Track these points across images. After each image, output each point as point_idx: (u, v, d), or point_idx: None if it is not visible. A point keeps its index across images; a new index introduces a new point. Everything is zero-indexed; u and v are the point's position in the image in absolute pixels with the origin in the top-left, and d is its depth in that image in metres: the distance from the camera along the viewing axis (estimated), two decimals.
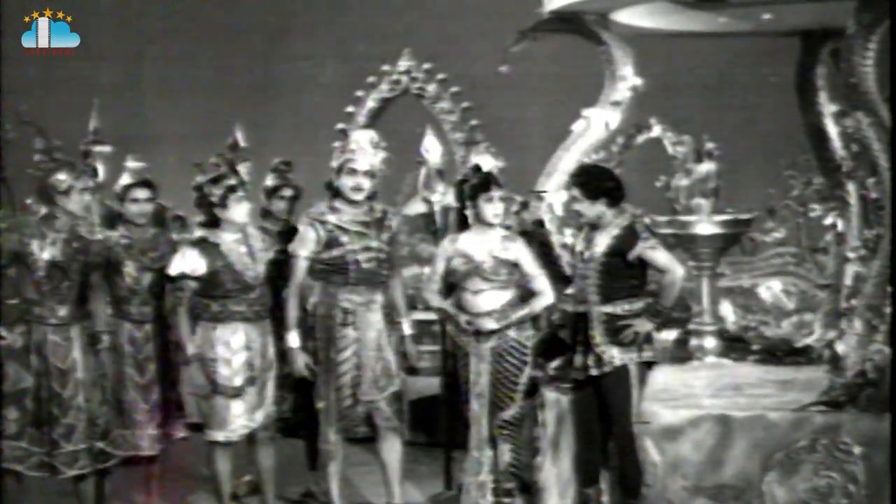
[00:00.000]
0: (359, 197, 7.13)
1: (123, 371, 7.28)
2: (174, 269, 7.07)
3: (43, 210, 7.12)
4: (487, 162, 7.52)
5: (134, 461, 7.41)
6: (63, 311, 7.06)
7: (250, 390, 7.10)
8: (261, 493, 7.41)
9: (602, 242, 6.69)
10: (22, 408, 7.02)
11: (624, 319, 6.66)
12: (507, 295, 7.01)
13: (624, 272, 6.67)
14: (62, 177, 7.08)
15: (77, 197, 7.11)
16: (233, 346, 7.09)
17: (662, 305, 6.70)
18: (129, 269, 7.27)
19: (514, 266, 7.01)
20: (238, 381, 7.07)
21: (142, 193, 7.41)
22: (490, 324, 6.94)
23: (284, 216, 8.04)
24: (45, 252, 7.01)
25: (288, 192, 8.12)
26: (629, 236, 6.66)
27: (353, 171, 7.11)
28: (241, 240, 7.15)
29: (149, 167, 7.61)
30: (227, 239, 7.12)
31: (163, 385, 7.38)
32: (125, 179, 7.45)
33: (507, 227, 7.15)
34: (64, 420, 7.01)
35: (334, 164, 7.20)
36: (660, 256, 6.68)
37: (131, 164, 7.52)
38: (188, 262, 7.04)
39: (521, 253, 7.04)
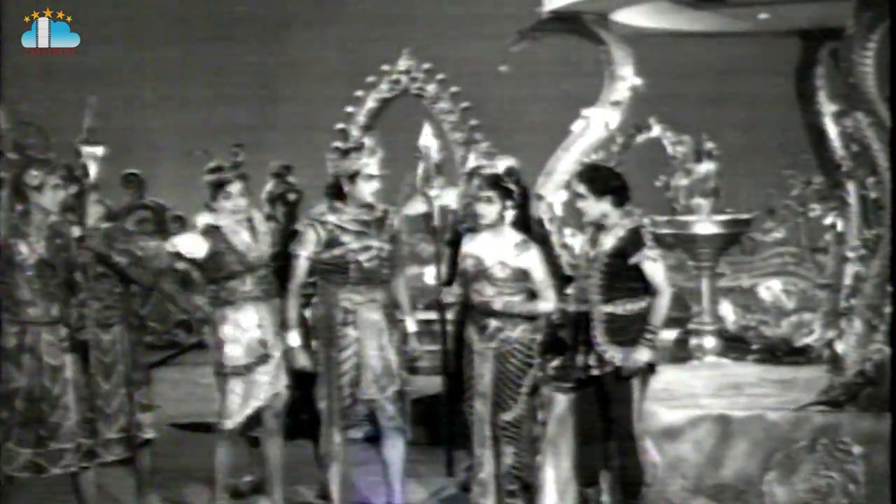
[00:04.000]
0: (374, 200, 7.16)
1: (91, 376, 7.24)
2: (170, 246, 7.14)
3: (19, 207, 7.12)
4: (503, 164, 7.53)
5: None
6: (54, 311, 7.01)
7: (263, 369, 7.12)
8: (267, 493, 7.39)
9: (607, 243, 6.68)
10: (11, 408, 7.00)
11: (626, 319, 6.66)
12: (514, 300, 7.00)
13: (626, 273, 6.66)
14: (34, 173, 7.06)
15: (50, 193, 7.08)
16: (242, 325, 7.13)
17: (655, 327, 6.68)
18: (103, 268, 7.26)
19: (524, 273, 6.99)
20: (246, 360, 7.10)
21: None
22: (497, 303, 6.92)
23: (288, 220, 8.02)
24: (33, 251, 6.98)
25: (291, 197, 8.12)
26: (634, 239, 6.65)
27: (371, 177, 7.14)
28: (244, 223, 7.19)
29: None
30: (229, 221, 7.16)
31: (129, 388, 7.36)
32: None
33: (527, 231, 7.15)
34: (51, 419, 6.97)
35: (347, 169, 7.18)
36: (657, 271, 6.64)
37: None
38: (185, 244, 7.10)
39: (533, 261, 7.00)
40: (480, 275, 6.96)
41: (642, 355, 6.63)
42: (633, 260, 6.63)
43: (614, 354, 6.65)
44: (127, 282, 7.37)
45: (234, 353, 7.12)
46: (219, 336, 7.15)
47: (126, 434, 7.34)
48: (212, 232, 7.13)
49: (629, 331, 6.65)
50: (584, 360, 6.73)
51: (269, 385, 7.14)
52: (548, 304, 6.99)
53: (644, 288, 6.70)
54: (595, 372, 6.68)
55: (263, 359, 7.13)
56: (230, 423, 7.15)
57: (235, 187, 7.16)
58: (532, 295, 6.99)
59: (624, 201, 6.73)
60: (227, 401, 7.13)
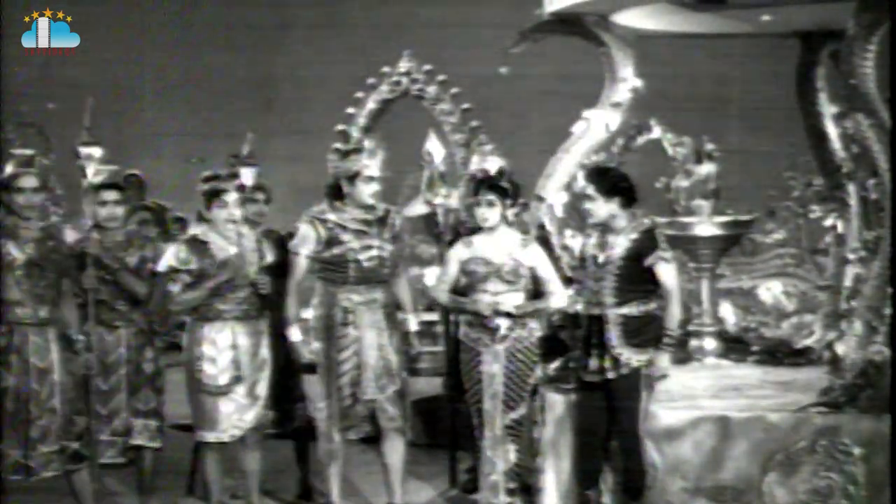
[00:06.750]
0: (374, 201, 7.16)
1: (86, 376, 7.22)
2: (163, 264, 7.10)
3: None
4: (494, 164, 7.52)
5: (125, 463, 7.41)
6: (43, 312, 6.97)
7: (238, 390, 7.09)
8: (246, 496, 7.38)
9: (620, 245, 6.68)
10: (1, 409, 6.97)
11: (640, 321, 6.65)
12: (521, 297, 7.00)
13: (640, 275, 6.66)
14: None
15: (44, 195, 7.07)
16: (219, 345, 7.09)
17: (672, 331, 6.70)
18: (100, 271, 7.23)
19: (529, 269, 7.00)
20: (223, 380, 7.07)
21: (110, 195, 7.40)
22: (510, 307, 6.92)
23: (259, 219, 7.94)
24: (22, 251, 6.96)
25: (260, 196, 8.03)
26: (648, 241, 6.66)
27: (371, 179, 7.14)
28: (234, 240, 7.16)
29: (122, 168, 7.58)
30: (217, 238, 7.13)
31: (130, 392, 7.34)
32: (95, 179, 7.37)
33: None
34: (40, 421, 6.95)
35: (348, 170, 7.17)
36: (669, 273, 6.67)
37: (102, 165, 7.46)
38: (178, 257, 7.07)
39: (538, 257, 7.04)
40: (492, 274, 6.96)
41: (664, 361, 6.65)
42: (648, 262, 6.63)
43: (630, 356, 6.65)
44: (121, 287, 7.34)
45: (212, 371, 7.10)
46: (195, 353, 7.11)
47: (120, 438, 7.31)
48: (199, 246, 7.11)
49: (643, 332, 6.66)
50: (598, 364, 6.72)
51: (248, 408, 7.11)
52: (560, 297, 7.01)
53: (654, 289, 6.70)
54: (610, 375, 6.67)
55: (236, 380, 7.11)
56: (212, 437, 7.13)
57: (231, 196, 7.13)
58: (536, 294, 7.01)
59: (631, 202, 6.74)
60: (204, 415, 7.10)
